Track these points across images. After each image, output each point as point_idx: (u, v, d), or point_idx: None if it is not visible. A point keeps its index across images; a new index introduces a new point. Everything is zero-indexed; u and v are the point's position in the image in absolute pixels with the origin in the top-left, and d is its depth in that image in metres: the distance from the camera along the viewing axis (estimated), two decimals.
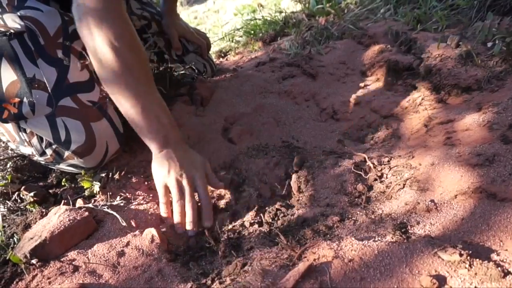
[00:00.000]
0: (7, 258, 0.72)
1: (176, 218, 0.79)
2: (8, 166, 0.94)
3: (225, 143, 1.07)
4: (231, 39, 2.24)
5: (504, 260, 0.51)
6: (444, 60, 1.01)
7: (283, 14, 2.14)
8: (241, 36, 2.21)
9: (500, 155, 0.69)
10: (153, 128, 0.81)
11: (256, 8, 3.23)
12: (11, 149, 1.00)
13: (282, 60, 1.40)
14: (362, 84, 1.20)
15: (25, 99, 0.81)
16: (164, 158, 0.81)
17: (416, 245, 0.56)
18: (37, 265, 0.68)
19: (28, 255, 0.68)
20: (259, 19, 2.16)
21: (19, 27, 0.82)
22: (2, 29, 0.81)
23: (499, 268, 0.49)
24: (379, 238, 0.60)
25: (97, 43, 0.76)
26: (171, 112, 1.15)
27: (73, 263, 0.68)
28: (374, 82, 1.19)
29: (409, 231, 0.63)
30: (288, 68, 1.35)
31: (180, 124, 1.14)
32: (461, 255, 0.52)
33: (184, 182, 0.79)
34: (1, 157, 0.95)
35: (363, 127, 1.06)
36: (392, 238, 0.59)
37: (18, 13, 0.83)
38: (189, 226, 0.77)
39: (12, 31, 0.81)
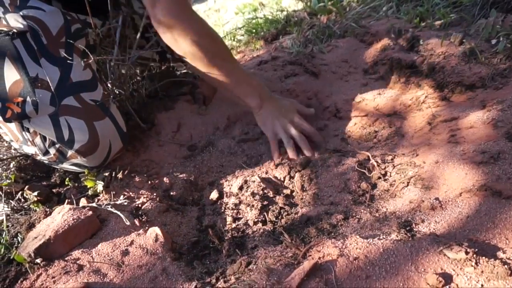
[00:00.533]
0: (11, 257, 0.72)
1: (292, 155, 0.95)
2: (11, 165, 0.94)
3: (228, 142, 1.07)
4: (232, 38, 2.23)
5: (510, 258, 0.51)
6: (448, 58, 1.00)
7: (285, 13, 2.13)
8: (242, 35, 2.21)
9: (505, 152, 0.69)
10: (249, 92, 1.00)
11: (257, 6, 3.23)
12: (14, 149, 1.00)
13: (284, 59, 1.40)
14: (365, 82, 1.19)
15: (28, 99, 0.81)
16: (266, 113, 1.01)
17: (421, 243, 0.56)
18: (42, 265, 0.68)
19: (32, 254, 0.68)
20: (261, 18, 2.15)
21: (21, 26, 0.82)
22: (5, 29, 0.81)
23: (506, 266, 0.49)
24: (384, 236, 0.60)
25: (183, 44, 0.90)
26: (173, 112, 1.16)
27: (78, 262, 0.68)
28: (377, 80, 1.18)
29: (414, 229, 0.63)
30: (291, 66, 1.34)
31: (183, 123, 1.14)
32: (467, 253, 0.52)
33: (289, 126, 0.99)
34: (5, 157, 0.95)
35: (366, 125, 1.06)
36: (397, 236, 0.59)
37: (21, 13, 0.83)
38: (308, 153, 0.95)
39: (15, 30, 0.81)
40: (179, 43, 0.90)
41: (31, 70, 0.81)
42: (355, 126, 1.05)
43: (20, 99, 0.81)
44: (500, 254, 0.53)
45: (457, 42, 1.02)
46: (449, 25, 1.21)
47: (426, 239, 0.56)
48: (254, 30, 2.12)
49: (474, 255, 0.51)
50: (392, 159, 0.87)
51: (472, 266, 0.50)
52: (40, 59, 0.82)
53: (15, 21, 0.82)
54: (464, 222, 0.61)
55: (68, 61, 0.84)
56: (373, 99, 1.11)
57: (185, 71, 1.34)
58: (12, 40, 0.81)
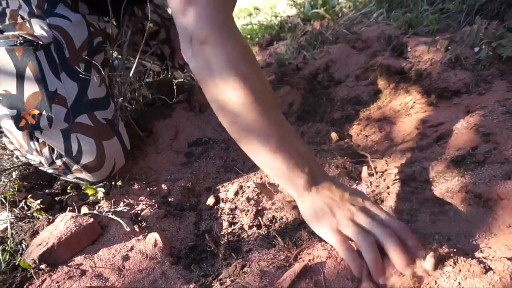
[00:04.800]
0: (16, 263, 0.75)
1: (374, 267, 0.54)
2: (14, 175, 0.97)
3: (224, 148, 1.10)
4: None
5: (487, 257, 0.55)
6: (434, 64, 1.04)
7: (279, 19, 2.17)
8: None
9: (486, 157, 0.73)
10: (295, 163, 0.62)
11: (252, 11, 3.27)
12: (17, 157, 1.03)
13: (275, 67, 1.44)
14: (355, 88, 1.23)
15: (44, 113, 0.83)
16: (318, 200, 0.61)
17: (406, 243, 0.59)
18: (46, 270, 0.71)
19: (37, 260, 0.71)
20: (255, 24, 2.19)
21: (46, 35, 0.83)
22: (29, 37, 0.83)
23: (481, 265, 0.52)
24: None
25: (216, 66, 0.60)
26: (170, 120, 1.20)
27: (80, 267, 0.71)
28: (368, 85, 1.22)
29: None
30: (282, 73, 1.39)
31: (180, 130, 1.17)
32: (447, 252, 0.56)
33: (360, 215, 0.58)
34: (8, 167, 0.98)
35: (358, 130, 1.10)
36: None
37: (47, 20, 0.84)
38: (405, 270, 0.53)
39: (40, 42, 0.83)
40: (213, 67, 0.60)
41: (51, 84, 0.83)
42: (347, 131, 1.08)
43: (36, 111, 0.83)
44: (477, 254, 0.56)
45: (443, 49, 1.06)
46: (436, 31, 1.24)
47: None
48: (249, 36, 2.16)
49: (453, 255, 0.54)
50: (383, 163, 0.90)
51: (451, 265, 0.54)
52: (60, 73, 0.84)
53: (40, 28, 0.84)
54: (444, 224, 0.65)
55: (87, 77, 0.86)
56: (364, 104, 1.16)
57: (182, 79, 1.38)
58: (36, 52, 0.82)
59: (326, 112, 1.22)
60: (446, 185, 0.73)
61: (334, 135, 1.07)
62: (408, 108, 1.03)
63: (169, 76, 1.37)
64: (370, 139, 1.04)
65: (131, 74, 1.04)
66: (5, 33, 0.85)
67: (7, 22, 0.86)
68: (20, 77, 0.83)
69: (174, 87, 1.28)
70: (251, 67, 0.62)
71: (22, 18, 0.85)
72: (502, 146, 0.73)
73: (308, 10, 1.92)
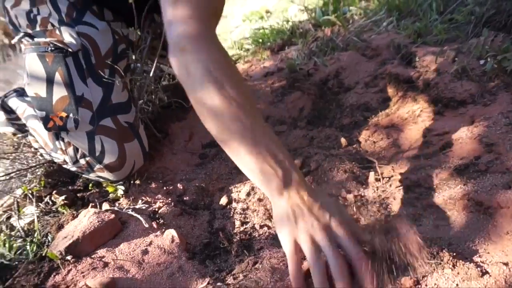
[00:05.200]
0: (43, 254, 0.81)
1: (319, 283, 0.57)
2: (39, 172, 1.03)
3: None
4: (240, 48, 2.32)
5: (484, 262, 0.59)
6: (442, 75, 1.08)
7: (290, 24, 2.21)
8: (250, 45, 2.29)
9: (488, 167, 0.76)
10: (269, 166, 0.62)
11: (263, 14, 3.32)
12: (41, 155, 1.09)
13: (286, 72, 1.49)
14: (365, 95, 1.27)
15: (71, 115, 0.89)
16: (287, 205, 0.62)
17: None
18: (71, 261, 0.76)
19: (63, 252, 0.77)
20: (267, 28, 2.24)
21: (74, 43, 0.89)
22: (60, 45, 0.88)
23: (478, 269, 0.56)
24: None
25: (194, 74, 0.64)
26: (185, 122, 1.25)
27: (103, 259, 0.76)
28: (377, 93, 1.26)
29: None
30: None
31: (194, 132, 1.23)
32: (447, 256, 0.60)
33: (319, 235, 0.59)
34: (34, 164, 1.04)
35: (366, 136, 1.14)
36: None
37: (76, 28, 0.90)
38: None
39: (70, 50, 0.88)
40: (192, 74, 0.64)
41: (78, 89, 0.89)
42: (355, 137, 1.12)
43: (63, 114, 0.89)
44: (475, 258, 0.60)
45: (450, 60, 1.10)
46: (445, 41, 1.28)
47: None
48: (261, 40, 2.20)
49: (452, 258, 0.58)
50: (390, 169, 0.94)
51: (450, 268, 0.58)
52: (87, 78, 0.90)
53: (69, 36, 0.89)
54: (447, 228, 0.69)
55: (111, 82, 0.91)
56: (372, 111, 1.19)
57: None
58: (65, 58, 0.88)
59: (335, 118, 1.26)
60: (449, 192, 0.77)
61: (343, 141, 1.12)
62: (415, 116, 1.07)
63: None
64: (378, 145, 1.08)
65: (151, 76, 1.09)
66: (36, 39, 0.91)
67: (37, 28, 0.92)
68: (50, 81, 0.88)
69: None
70: (226, 74, 0.64)
71: (52, 25, 0.91)
72: (504, 156, 0.76)
73: (320, 16, 1.96)
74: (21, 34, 0.94)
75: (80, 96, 0.89)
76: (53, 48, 0.88)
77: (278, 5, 3.40)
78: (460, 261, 0.58)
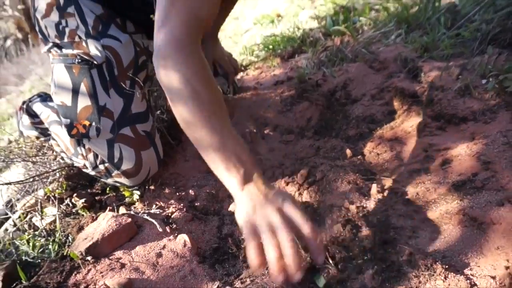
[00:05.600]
0: (64, 254, 0.87)
1: (272, 263, 0.64)
2: (58, 175, 1.10)
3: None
4: (251, 53, 2.37)
5: (474, 274, 0.63)
6: (445, 91, 1.12)
7: (301, 31, 2.26)
8: (260, 51, 2.34)
9: (484, 184, 0.80)
10: (232, 165, 0.72)
11: (274, 18, 3.37)
12: (62, 158, 1.15)
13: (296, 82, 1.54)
14: (371, 107, 1.31)
15: (93, 124, 0.95)
16: (247, 197, 0.71)
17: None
18: (91, 261, 0.83)
19: (83, 252, 0.83)
20: (278, 35, 2.28)
21: (99, 55, 0.95)
22: (86, 57, 0.95)
23: (468, 281, 0.61)
24: None
25: (175, 84, 0.74)
26: None
27: (120, 261, 0.83)
28: (382, 106, 1.30)
29: (391, 246, 0.75)
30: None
31: None
32: (440, 268, 0.64)
33: (274, 216, 0.66)
34: (55, 167, 1.11)
35: (370, 148, 1.18)
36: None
37: (101, 41, 0.96)
38: (293, 270, 0.63)
39: (95, 62, 0.95)
40: (169, 73, 0.74)
41: (101, 99, 0.95)
42: (360, 149, 1.17)
43: (87, 122, 0.95)
44: (466, 271, 0.65)
45: (454, 77, 1.13)
46: (451, 56, 1.31)
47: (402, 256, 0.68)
48: (271, 47, 2.25)
49: (444, 271, 0.63)
50: (391, 182, 0.99)
51: (441, 280, 0.62)
52: (110, 89, 0.96)
53: (95, 49, 0.96)
54: (441, 242, 0.73)
55: (131, 93, 0.98)
56: (378, 123, 1.24)
57: None
58: (90, 70, 0.95)
59: (341, 129, 1.31)
60: (446, 206, 0.81)
61: (348, 152, 1.16)
62: (418, 131, 1.11)
63: None
64: (381, 157, 1.12)
65: None
66: (64, 51, 0.97)
67: (65, 39, 0.98)
68: (75, 91, 0.95)
69: None
70: (203, 85, 0.74)
71: (80, 37, 0.97)
72: (500, 174, 0.80)
73: (330, 26, 2.00)
74: (50, 44, 1.00)
75: (103, 106, 0.95)
76: (79, 60, 0.94)
77: (289, 9, 3.44)
78: (452, 273, 0.63)
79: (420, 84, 1.25)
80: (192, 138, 0.77)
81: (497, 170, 0.82)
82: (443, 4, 1.68)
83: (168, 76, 0.75)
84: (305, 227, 0.66)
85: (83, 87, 0.95)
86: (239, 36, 3.54)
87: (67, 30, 0.98)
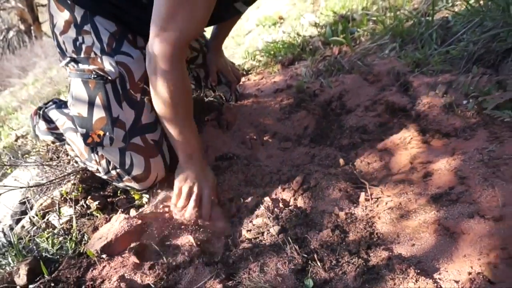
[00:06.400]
0: (81, 251, 0.97)
1: (179, 208, 1.06)
2: (72, 178, 1.19)
3: (246, 164, 1.30)
4: (253, 58, 2.46)
5: (441, 278, 0.73)
6: (431, 107, 1.21)
7: (301, 38, 2.34)
8: (262, 56, 2.43)
9: (459, 197, 0.90)
10: (184, 146, 1.08)
11: (276, 20, 3.44)
12: (76, 162, 1.25)
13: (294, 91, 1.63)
14: (364, 118, 1.40)
15: (107, 134, 1.04)
16: (186, 168, 1.09)
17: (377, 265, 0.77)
18: (105, 259, 0.92)
19: (99, 251, 0.93)
20: (279, 42, 2.37)
21: (113, 71, 1.04)
22: (101, 72, 1.04)
23: (435, 284, 0.70)
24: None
25: (159, 86, 0.99)
26: (203, 135, 1.40)
27: (131, 258, 0.92)
28: (375, 117, 1.39)
29: (373, 252, 0.85)
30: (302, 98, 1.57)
31: (209, 145, 1.37)
32: (412, 272, 0.74)
33: (195, 189, 1.07)
34: (71, 171, 1.20)
35: (361, 157, 1.27)
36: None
37: (115, 58, 1.06)
38: (187, 214, 1.04)
39: (109, 78, 1.04)
40: (157, 80, 0.98)
41: (114, 111, 1.05)
42: (352, 158, 1.26)
43: (101, 132, 1.05)
44: (436, 275, 0.74)
45: (440, 94, 1.23)
46: (440, 72, 1.40)
47: (382, 260, 0.78)
48: (272, 52, 2.34)
49: (416, 274, 0.73)
50: (379, 191, 1.08)
51: (413, 282, 0.72)
52: (122, 102, 1.05)
53: (109, 65, 1.05)
54: (418, 248, 0.83)
55: (142, 105, 1.09)
56: (369, 134, 1.33)
57: (212, 98, 1.58)
58: (105, 85, 1.04)
59: (336, 138, 1.40)
60: (424, 216, 0.90)
61: (341, 161, 1.26)
62: (406, 143, 1.20)
63: (201, 95, 1.57)
64: (371, 166, 1.22)
65: None
66: (80, 66, 1.06)
67: (82, 55, 1.07)
68: (91, 104, 1.04)
69: (206, 105, 1.48)
70: (180, 91, 1.01)
71: (95, 53, 1.06)
72: (473, 189, 0.90)
73: (329, 35, 2.09)
74: (68, 59, 1.09)
75: (116, 118, 1.04)
76: (95, 76, 1.03)
77: (291, 12, 3.51)
78: (423, 277, 0.73)
79: (410, 98, 1.34)
80: (163, 124, 1.07)
81: (471, 185, 0.91)
82: (437, 19, 1.76)
83: (156, 81, 0.99)
84: (206, 203, 1.07)
85: (98, 100, 1.04)
86: (241, 37, 3.61)
87: (83, 46, 1.07)
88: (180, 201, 1.06)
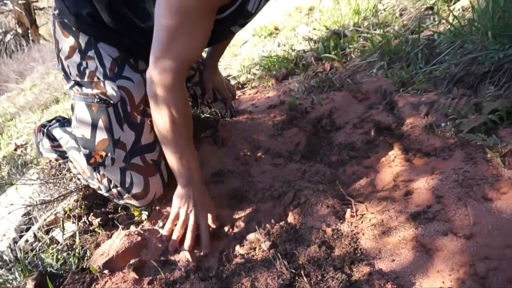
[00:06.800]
0: (84, 267, 1.03)
1: (174, 238, 1.07)
2: (77, 195, 1.26)
3: (239, 179, 1.37)
4: (248, 71, 2.54)
5: None
6: (414, 128, 1.29)
7: (295, 53, 2.42)
8: (257, 69, 2.51)
9: (435, 216, 0.97)
10: (184, 170, 1.09)
11: (272, 31, 3.52)
12: (78, 179, 1.31)
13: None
14: (352, 135, 1.48)
15: (109, 155, 1.11)
16: (184, 193, 1.09)
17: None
18: (107, 274, 0.99)
19: (101, 266, 0.99)
20: (274, 56, 2.44)
21: (115, 95, 1.11)
22: (103, 97, 1.11)
23: None
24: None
25: (160, 113, 1.03)
26: (199, 151, 1.47)
27: (132, 274, 0.99)
28: (362, 135, 1.47)
29: (356, 268, 0.92)
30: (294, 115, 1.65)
31: (204, 161, 1.44)
32: (390, 287, 0.81)
33: (191, 217, 1.08)
34: (72, 189, 1.27)
35: (349, 173, 1.35)
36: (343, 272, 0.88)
37: (117, 83, 1.12)
38: (186, 246, 1.05)
39: (111, 101, 1.11)
40: (159, 105, 1.01)
41: (116, 133, 1.12)
42: (340, 175, 1.33)
43: (103, 153, 1.11)
44: None
45: (422, 115, 1.30)
46: (424, 91, 1.48)
47: (363, 276, 0.85)
48: (267, 67, 2.42)
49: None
50: (364, 208, 1.15)
51: None
52: (123, 124, 1.12)
53: (111, 89, 1.12)
54: (397, 264, 0.90)
55: (142, 127, 1.15)
56: (356, 151, 1.40)
57: (208, 115, 1.65)
58: (107, 108, 1.11)
59: (325, 154, 1.48)
60: (403, 233, 0.98)
61: (330, 177, 1.33)
62: (390, 161, 1.28)
63: (198, 112, 1.64)
64: (358, 183, 1.29)
65: None
66: (84, 90, 1.13)
67: (85, 79, 1.14)
68: (94, 126, 1.11)
69: (202, 121, 1.55)
70: (181, 116, 1.04)
71: (98, 78, 1.13)
72: (448, 208, 0.97)
73: (322, 52, 2.17)
74: (72, 82, 1.16)
75: (117, 139, 1.11)
76: (98, 100, 1.10)
77: (286, 23, 3.60)
78: None
79: (395, 118, 1.42)
80: (163, 147, 1.10)
81: (446, 204, 0.98)
82: (423, 37, 1.85)
83: (157, 108, 1.03)
84: (204, 232, 1.09)
85: (101, 123, 1.11)
86: (238, 47, 3.69)
87: (87, 71, 1.14)
88: (176, 230, 1.07)
